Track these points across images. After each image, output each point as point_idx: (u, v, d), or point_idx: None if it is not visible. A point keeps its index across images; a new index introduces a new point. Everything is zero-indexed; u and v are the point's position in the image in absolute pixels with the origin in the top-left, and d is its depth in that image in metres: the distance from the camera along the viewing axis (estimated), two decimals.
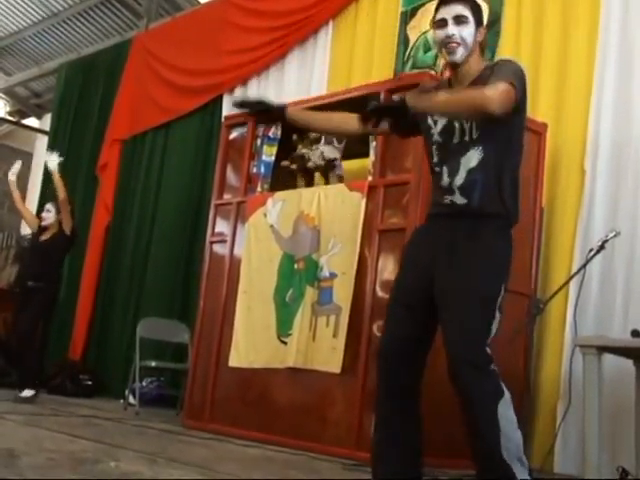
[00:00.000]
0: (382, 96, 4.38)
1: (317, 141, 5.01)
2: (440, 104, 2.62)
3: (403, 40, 5.96)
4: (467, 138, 2.69)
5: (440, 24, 2.74)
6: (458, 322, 2.57)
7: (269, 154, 5.21)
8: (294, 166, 5.19)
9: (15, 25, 10.33)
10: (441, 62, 5.67)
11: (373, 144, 4.55)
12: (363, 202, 4.44)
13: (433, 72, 5.44)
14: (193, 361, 5.36)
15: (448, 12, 2.72)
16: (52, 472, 2.65)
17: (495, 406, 2.48)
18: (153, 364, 6.34)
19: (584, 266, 3.92)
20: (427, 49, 5.81)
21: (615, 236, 3.86)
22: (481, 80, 2.68)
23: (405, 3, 6.00)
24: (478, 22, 2.76)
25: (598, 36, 4.77)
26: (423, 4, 5.83)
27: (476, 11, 2.78)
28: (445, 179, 2.72)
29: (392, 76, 5.72)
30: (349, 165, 5.41)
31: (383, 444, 2.71)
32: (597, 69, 4.74)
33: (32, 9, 9.89)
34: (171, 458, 3.40)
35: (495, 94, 2.52)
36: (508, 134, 2.72)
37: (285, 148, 5.19)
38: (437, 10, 2.77)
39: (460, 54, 2.72)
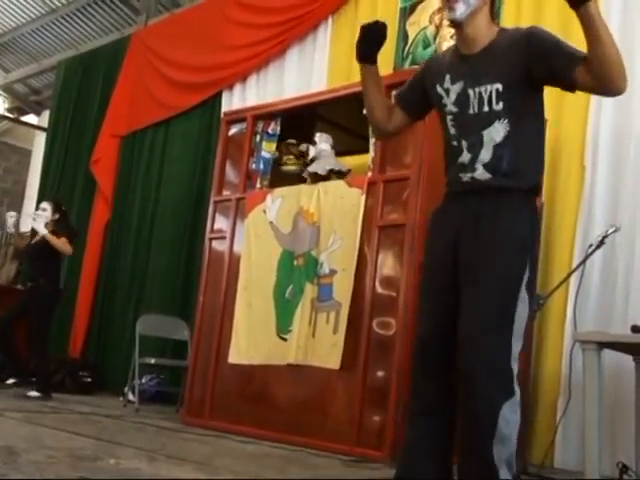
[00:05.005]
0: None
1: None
2: (606, 29, 2.42)
3: (402, 36, 5.95)
4: (486, 109, 2.51)
5: None
6: (477, 306, 2.40)
7: (268, 150, 5.21)
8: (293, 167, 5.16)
9: (13, 21, 10.30)
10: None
11: (372, 140, 4.54)
12: (363, 198, 4.43)
13: None
14: (193, 358, 5.35)
15: None
16: (52, 469, 2.65)
17: (501, 405, 2.32)
18: (152, 361, 6.33)
19: (584, 261, 3.91)
20: (426, 45, 5.79)
21: (615, 231, 3.86)
22: (497, 48, 2.51)
23: None
24: None
25: None
26: (422, 0, 5.82)
27: None
28: (465, 154, 2.55)
29: (392, 72, 5.71)
30: (349, 161, 5.40)
31: (416, 441, 2.55)
32: None
33: (30, 5, 9.86)
34: (170, 455, 3.40)
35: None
36: (534, 106, 2.60)
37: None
38: None
39: (460, 11, 2.50)
